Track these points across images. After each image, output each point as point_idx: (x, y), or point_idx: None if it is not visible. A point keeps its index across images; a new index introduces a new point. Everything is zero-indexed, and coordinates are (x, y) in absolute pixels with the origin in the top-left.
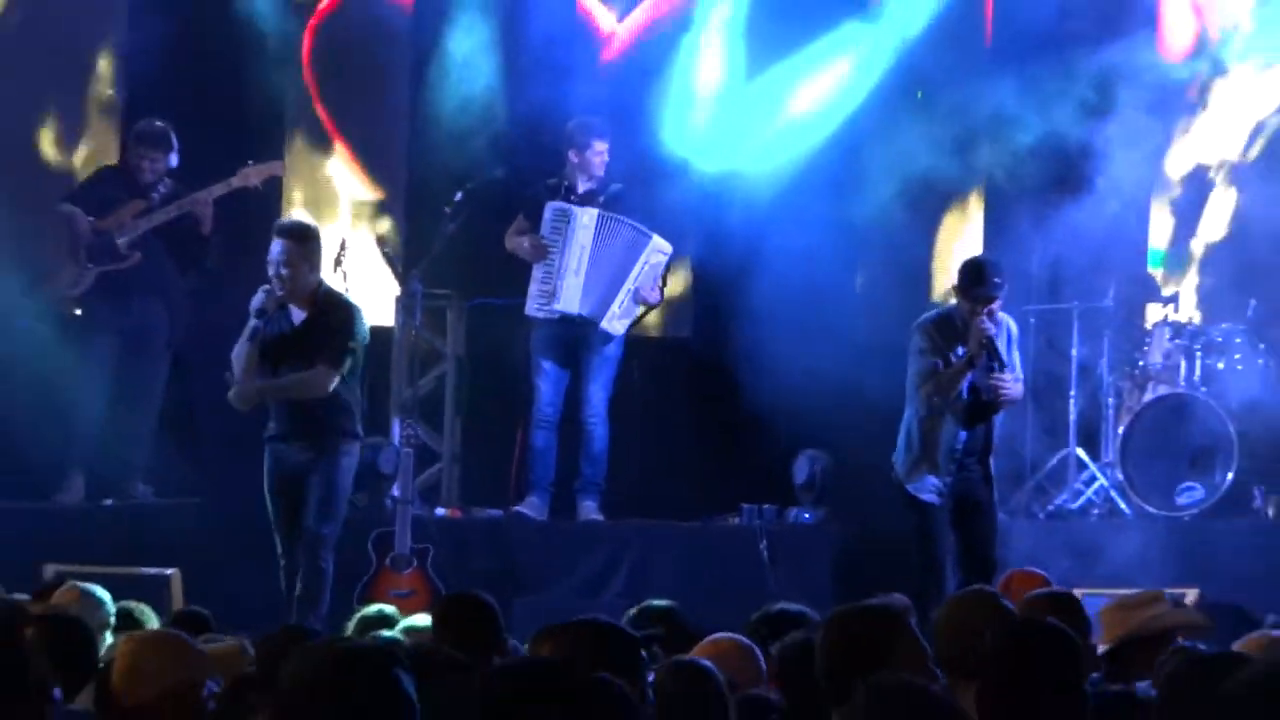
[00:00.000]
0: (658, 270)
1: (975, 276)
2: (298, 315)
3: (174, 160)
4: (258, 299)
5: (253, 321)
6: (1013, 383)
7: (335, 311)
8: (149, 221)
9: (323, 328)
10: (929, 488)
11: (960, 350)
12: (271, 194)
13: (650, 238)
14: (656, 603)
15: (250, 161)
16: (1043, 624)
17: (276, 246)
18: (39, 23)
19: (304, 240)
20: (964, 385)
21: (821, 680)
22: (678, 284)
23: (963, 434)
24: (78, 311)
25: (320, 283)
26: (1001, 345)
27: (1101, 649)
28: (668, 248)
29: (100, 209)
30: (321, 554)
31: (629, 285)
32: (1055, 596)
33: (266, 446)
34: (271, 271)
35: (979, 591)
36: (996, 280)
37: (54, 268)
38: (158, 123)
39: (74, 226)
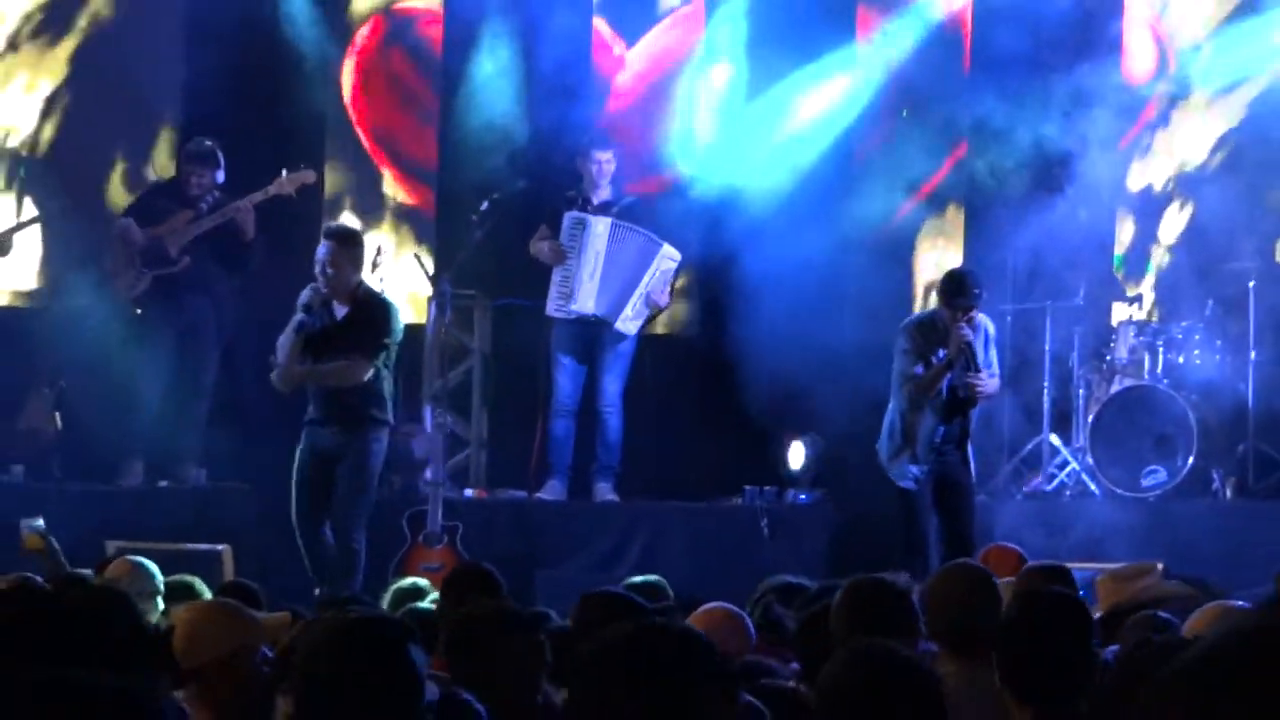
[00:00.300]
0: (668, 276)
1: (956, 287)
2: (340, 311)
3: (220, 177)
4: (305, 295)
5: (299, 315)
6: (987, 379)
7: (374, 309)
8: (197, 228)
9: (362, 323)
10: (909, 475)
11: (941, 353)
12: (313, 204)
13: (661, 245)
14: (637, 579)
15: (284, 171)
16: (1054, 592)
17: (323, 248)
18: (109, 60)
19: (347, 243)
20: (944, 384)
21: (837, 641)
22: (686, 286)
23: (941, 427)
24: (138, 312)
25: (361, 282)
26: (979, 346)
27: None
28: (677, 255)
29: (154, 219)
30: (353, 534)
31: (641, 290)
32: (1049, 569)
33: (304, 429)
34: (317, 270)
35: (964, 566)
36: (976, 291)
37: (114, 273)
38: (206, 142)
39: (129, 236)
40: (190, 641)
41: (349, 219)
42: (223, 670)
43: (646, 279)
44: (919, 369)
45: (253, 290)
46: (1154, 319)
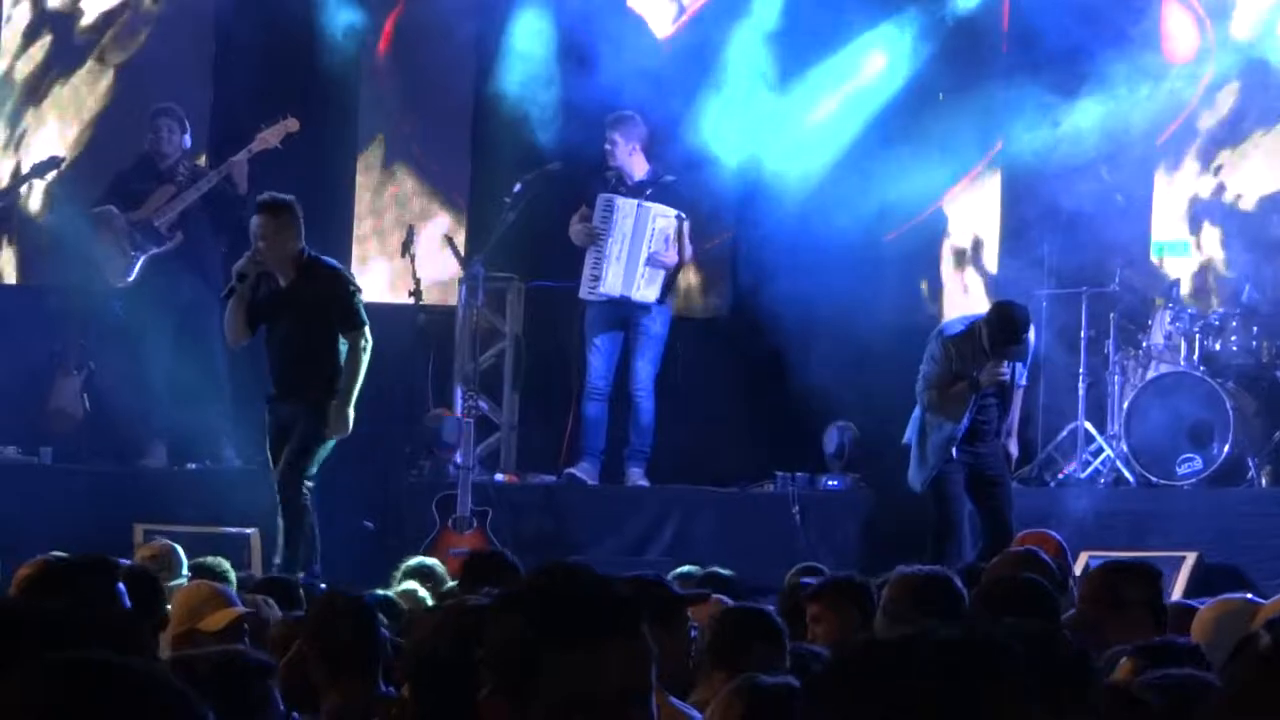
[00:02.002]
0: (667, 233)
1: (1007, 332)
2: (284, 279)
3: (188, 141)
4: (240, 263)
5: (231, 283)
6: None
7: (325, 280)
8: (181, 202)
9: (316, 294)
10: (922, 477)
11: (977, 372)
12: (345, 173)
13: (650, 207)
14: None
15: (262, 125)
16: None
17: (254, 221)
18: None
19: (278, 214)
20: (971, 401)
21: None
22: (719, 270)
23: (961, 429)
24: (137, 294)
25: (303, 250)
26: (1008, 380)
27: None
28: (670, 211)
29: (133, 201)
30: (291, 493)
31: (644, 254)
32: (1133, 566)
33: (268, 407)
34: (253, 242)
35: (1024, 553)
36: (1025, 337)
37: (105, 261)
38: (174, 105)
39: (112, 223)
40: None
41: (381, 201)
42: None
43: (646, 242)
44: (949, 369)
45: None
46: (1191, 305)
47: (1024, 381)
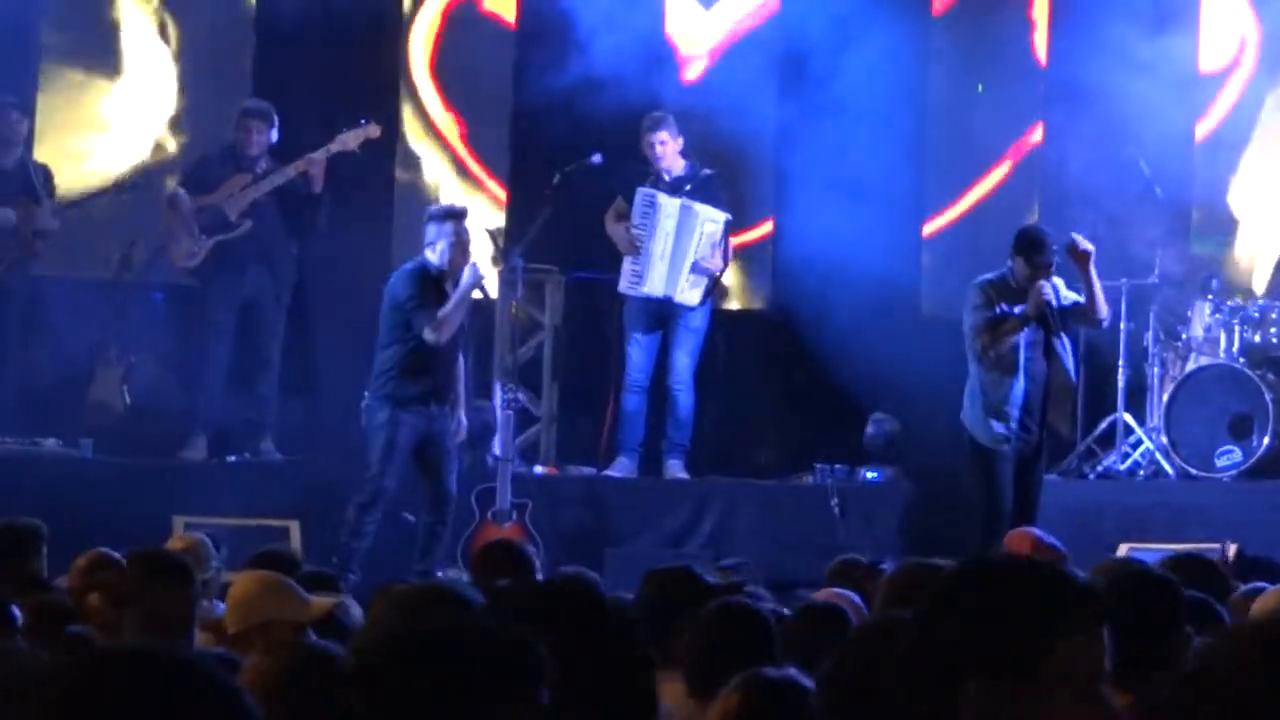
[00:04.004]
0: (714, 238)
1: (1037, 246)
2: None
3: (274, 136)
4: (479, 273)
5: (479, 295)
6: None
7: None
8: (255, 191)
9: None
10: (997, 437)
11: (1018, 309)
12: (384, 167)
13: (699, 211)
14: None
15: (344, 128)
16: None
17: (456, 228)
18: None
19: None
20: (1022, 347)
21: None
22: (758, 263)
23: (1023, 388)
24: (197, 282)
25: None
26: (1052, 301)
27: None
28: (719, 216)
29: (208, 186)
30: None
31: (690, 258)
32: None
33: (412, 405)
34: (465, 251)
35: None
36: (1054, 248)
37: (167, 244)
38: (263, 101)
39: (178, 204)
40: (234, 606)
41: (420, 190)
42: (260, 638)
43: (693, 247)
44: (994, 311)
45: (320, 255)
46: (1231, 297)
47: (1068, 300)
